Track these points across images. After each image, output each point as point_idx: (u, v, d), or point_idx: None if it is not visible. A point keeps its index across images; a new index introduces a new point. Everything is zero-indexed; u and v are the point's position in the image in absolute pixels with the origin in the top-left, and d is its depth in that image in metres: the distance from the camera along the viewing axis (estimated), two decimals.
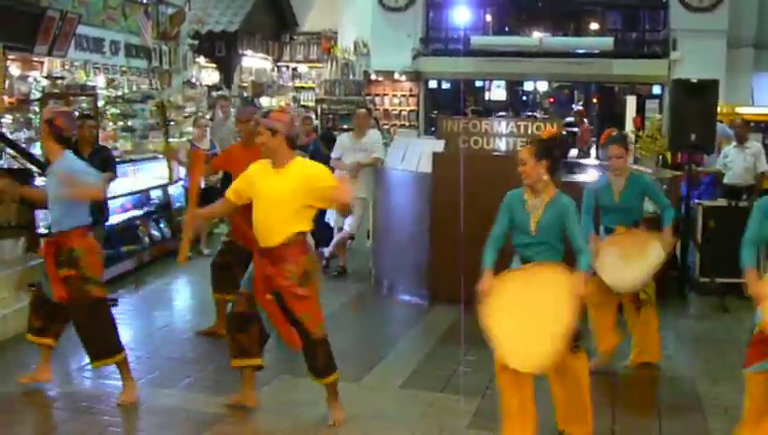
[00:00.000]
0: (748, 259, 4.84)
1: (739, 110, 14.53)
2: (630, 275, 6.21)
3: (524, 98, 23.50)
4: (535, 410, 4.99)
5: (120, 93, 11.77)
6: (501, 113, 19.08)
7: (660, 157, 11.85)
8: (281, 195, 5.17)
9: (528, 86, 22.88)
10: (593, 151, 17.37)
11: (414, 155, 9.11)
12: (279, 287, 5.26)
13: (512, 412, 4.96)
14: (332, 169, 9.60)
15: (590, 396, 5.13)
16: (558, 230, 5.08)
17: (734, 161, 10.68)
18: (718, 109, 9.70)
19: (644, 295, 6.55)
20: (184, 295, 9.54)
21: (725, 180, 10.82)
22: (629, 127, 13.92)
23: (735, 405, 5.65)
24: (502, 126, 9.08)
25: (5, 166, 8.69)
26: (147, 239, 10.36)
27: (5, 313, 7.27)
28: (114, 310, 8.20)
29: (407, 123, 18.94)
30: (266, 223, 5.24)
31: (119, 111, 11.47)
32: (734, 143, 10.94)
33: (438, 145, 8.87)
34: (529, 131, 8.70)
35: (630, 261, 6.19)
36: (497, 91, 22.39)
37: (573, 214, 5.07)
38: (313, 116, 17.62)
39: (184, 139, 12.18)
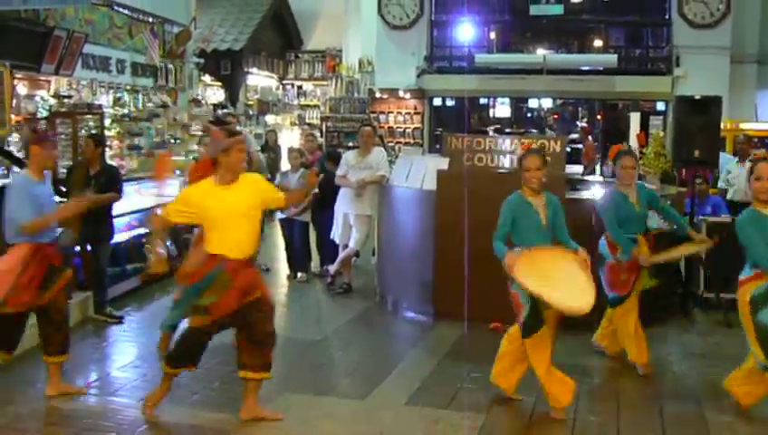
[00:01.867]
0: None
1: (743, 126, 14.56)
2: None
3: (529, 115, 23.51)
4: None
5: (126, 111, 11.84)
6: (506, 130, 19.14)
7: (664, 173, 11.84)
8: (243, 209, 5.54)
9: (532, 103, 22.90)
10: (598, 168, 17.38)
11: (418, 172, 9.14)
12: (258, 292, 5.62)
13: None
14: (338, 187, 9.76)
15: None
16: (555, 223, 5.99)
17: (737, 178, 10.68)
18: (722, 125, 9.74)
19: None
20: None
21: (729, 196, 10.81)
22: (633, 143, 13.94)
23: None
24: (506, 143, 9.11)
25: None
26: (152, 257, 10.36)
27: None
28: (119, 327, 8.32)
29: (411, 141, 18.98)
30: (241, 237, 5.54)
31: (125, 130, 11.53)
32: (736, 159, 10.94)
33: (443, 163, 8.90)
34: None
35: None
36: (501, 109, 22.42)
37: (562, 209, 6.06)
38: (318, 134, 17.69)
39: (190, 157, 12.23)
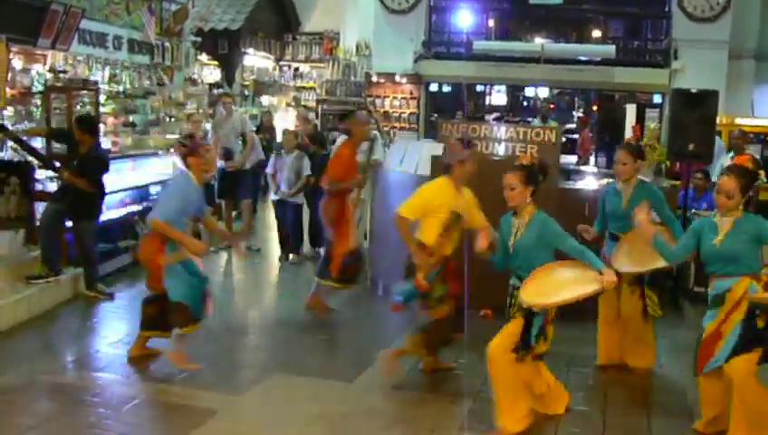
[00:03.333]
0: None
1: (739, 121, 14.58)
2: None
3: (525, 103, 23.48)
4: None
5: (121, 89, 11.80)
6: (504, 118, 19.19)
7: (658, 166, 11.89)
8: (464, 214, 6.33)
9: (529, 92, 22.87)
10: (592, 159, 17.42)
11: (413, 157, 9.14)
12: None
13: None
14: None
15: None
16: (538, 247, 5.46)
17: None
18: (718, 120, 9.74)
19: (652, 310, 6.80)
20: None
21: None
22: (629, 135, 13.96)
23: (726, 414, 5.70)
24: (501, 131, 9.10)
25: (6, 158, 8.71)
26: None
27: (1, 304, 7.29)
28: (110, 304, 8.32)
29: (407, 126, 18.93)
30: (456, 236, 6.35)
31: (120, 107, 11.49)
32: (731, 154, 10.96)
33: (438, 148, 8.88)
34: (528, 137, 8.72)
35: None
36: (498, 96, 22.41)
37: (556, 228, 5.48)
38: (313, 115, 17.64)
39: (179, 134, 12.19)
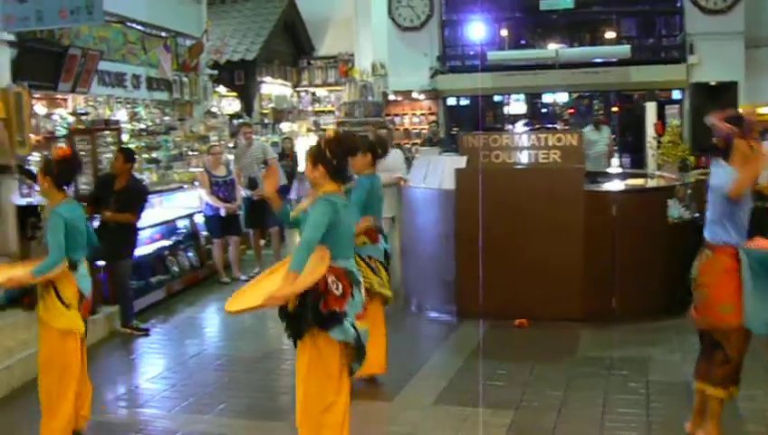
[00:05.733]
0: None
1: (761, 110, 14.42)
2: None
3: (544, 110, 23.42)
4: None
5: (143, 126, 11.93)
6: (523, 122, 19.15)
7: (683, 162, 11.78)
8: None
9: (547, 98, 22.80)
10: (615, 160, 17.27)
11: (436, 172, 9.16)
12: None
13: None
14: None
15: None
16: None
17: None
18: (739, 110, 9.68)
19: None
20: (214, 323, 9.61)
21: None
22: (651, 133, 13.86)
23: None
24: (522, 139, 9.11)
25: (35, 203, 8.83)
26: (176, 269, 10.49)
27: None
28: (146, 340, 8.39)
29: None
30: None
31: (143, 144, 11.62)
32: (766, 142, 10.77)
33: (461, 161, 8.91)
34: (549, 143, 8.72)
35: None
36: (516, 105, 22.36)
37: (312, 216, 4.76)
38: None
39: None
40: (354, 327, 4.76)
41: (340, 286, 4.76)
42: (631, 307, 8.24)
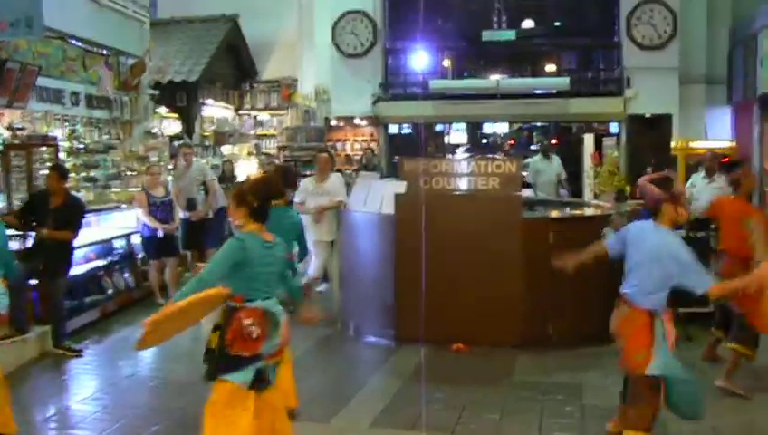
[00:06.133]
0: None
1: (693, 144, 14.81)
2: None
3: (484, 140, 23.70)
4: None
5: (81, 145, 11.75)
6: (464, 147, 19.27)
7: (619, 192, 12.02)
8: None
9: (488, 128, 23.12)
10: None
11: (376, 197, 9.19)
12: None
13: None
14: None
15: None
16: None
17: (701, 192, 10.68)
18: (673, 143, 9.92)
19: None
20: None
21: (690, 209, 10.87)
22: (588, 164, 14.13)
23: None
24: (462, 166, 9.19)
25: None
26: (111, 289, 10.31)
27: None
28: (79, 361, 8.21)
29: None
30: None
31: (81, 162, 11.44)
32: (702, 174, 11.02)
33: (400, 186, 8.94)
34: (489, 170, 8.81)
35: None
36: (457, 135, 22.59)
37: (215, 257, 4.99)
38: (276, 162, 17.65)
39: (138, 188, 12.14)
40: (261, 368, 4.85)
41: (257, 330, 4.81)
42: (568, 333, 8.34)
